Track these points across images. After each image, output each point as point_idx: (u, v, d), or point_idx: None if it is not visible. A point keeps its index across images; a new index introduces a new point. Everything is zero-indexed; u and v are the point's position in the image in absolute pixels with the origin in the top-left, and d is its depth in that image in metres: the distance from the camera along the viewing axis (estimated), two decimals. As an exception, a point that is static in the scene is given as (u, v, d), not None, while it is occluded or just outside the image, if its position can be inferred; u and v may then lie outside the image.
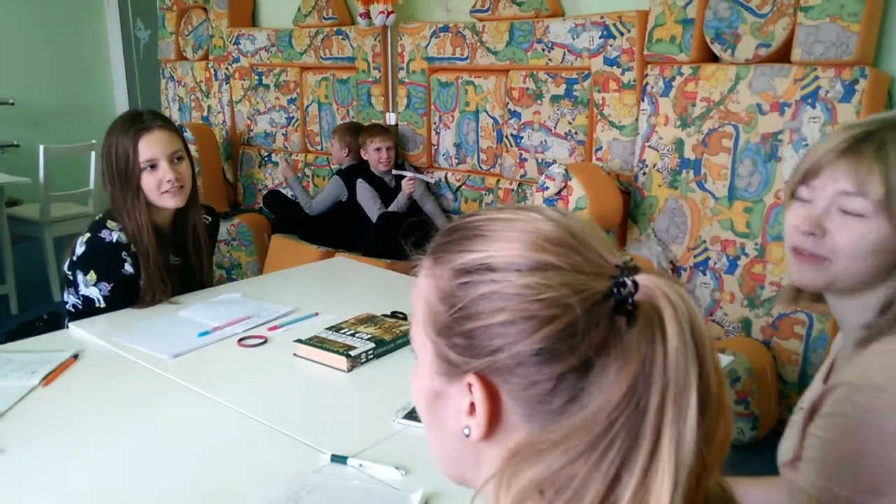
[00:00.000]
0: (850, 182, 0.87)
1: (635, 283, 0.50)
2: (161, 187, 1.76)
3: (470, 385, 0.54)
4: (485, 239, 0.55)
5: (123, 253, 1.75)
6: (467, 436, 0.56)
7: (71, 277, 1.76)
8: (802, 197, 0.93)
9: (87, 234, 1.76)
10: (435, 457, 0.62)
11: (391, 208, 3.31)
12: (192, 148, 3.94)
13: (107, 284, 1.74)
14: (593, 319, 0.50)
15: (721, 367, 0.53)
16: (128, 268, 1.75)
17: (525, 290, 0.51)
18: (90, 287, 1.74)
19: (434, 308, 0.57)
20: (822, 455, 0.83)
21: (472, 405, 0.55)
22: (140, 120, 1.77)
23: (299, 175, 3.99)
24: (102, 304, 1.74)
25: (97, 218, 1.80)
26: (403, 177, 3.33)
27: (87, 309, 1.74)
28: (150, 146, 1.75)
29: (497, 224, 0.56)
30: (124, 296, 1.75)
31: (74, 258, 1.76)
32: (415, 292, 0.60)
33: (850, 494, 0.80)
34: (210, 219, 2.04)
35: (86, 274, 1.73)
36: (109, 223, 1.77)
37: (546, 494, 0.51)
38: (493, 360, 0.52)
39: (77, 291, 1.76)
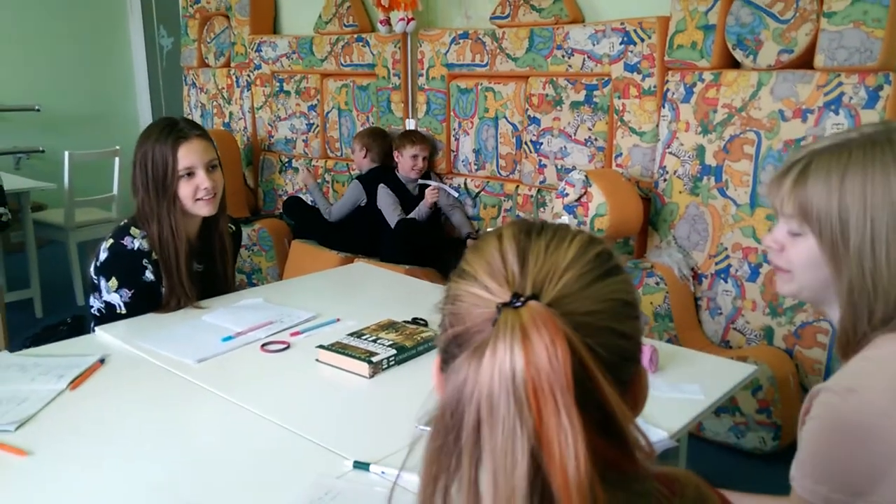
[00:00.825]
0: (779, 203, 0.96)
1: (499, 309, 0.54)
2: (196, 195, 1.79)
3: None
4: (481, 240, 0.61)
5: (144, 260, 1.77)
6: None
7: (95, 282, 1.79)
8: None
9: (111, 240, 1.78)
10: None
11: (411, 215, 3.32)
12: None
13: (127, 291, 1.76)
14: (476, 329, 0.56)
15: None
16: (148, 275, 1.77)
17: (456, 292, 0.58)
18: (112, 293, 1.76)
19: None
20: (806, 456, 0.88)
21: None
22: (177, 128, 1.78)
23: (319, 181, 4.02)
24: (123, 311, 1.76)
25: (122, 224, 1.83)
26: (428, 185, 3.34)
27: (110, 314, 1.77)
28: (189, 154, 1.77)
29: (492, 233, 0.62)
30: (145, 302, 1.77)
31: (98, 264, 1.78)
32: None
33: (829, 493, 0.84)
34: (234, 228, 2.06)
35: (108, 280, 1.76)
36: (133, 230, 1.78)
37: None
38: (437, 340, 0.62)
39: (101, 296, 1.78)
